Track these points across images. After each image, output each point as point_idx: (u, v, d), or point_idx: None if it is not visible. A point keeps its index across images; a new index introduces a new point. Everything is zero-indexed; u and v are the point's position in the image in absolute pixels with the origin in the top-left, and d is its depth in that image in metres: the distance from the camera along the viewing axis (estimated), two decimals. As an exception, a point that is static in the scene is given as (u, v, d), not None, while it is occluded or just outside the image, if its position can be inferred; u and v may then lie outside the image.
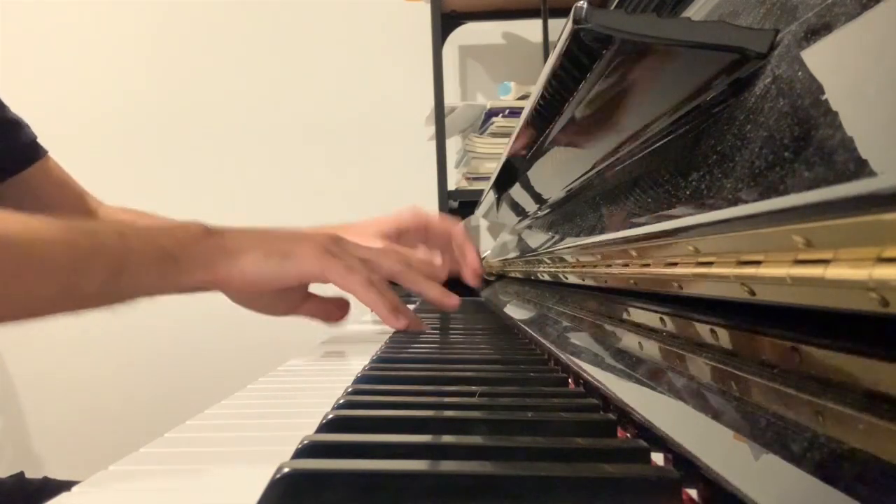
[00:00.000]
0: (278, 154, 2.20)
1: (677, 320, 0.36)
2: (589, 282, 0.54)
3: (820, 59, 0.25)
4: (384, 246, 0.83)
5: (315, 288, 0.78)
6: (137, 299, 0.66)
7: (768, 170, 0.24)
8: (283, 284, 0.71)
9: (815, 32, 0.26)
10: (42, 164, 1.00)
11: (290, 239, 0.72)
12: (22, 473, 0.94)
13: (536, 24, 1.89)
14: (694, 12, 0.39)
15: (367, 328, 0.99)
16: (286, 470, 0.27)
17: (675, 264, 0.33)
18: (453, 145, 2.02)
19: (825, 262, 0.20)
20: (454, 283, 1.43)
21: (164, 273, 0.65)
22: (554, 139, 0.64)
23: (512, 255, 1.01)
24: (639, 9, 0.42)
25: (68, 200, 1.02)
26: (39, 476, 0.96)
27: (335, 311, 0.80)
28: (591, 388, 0.43)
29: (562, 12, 1.70)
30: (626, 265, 0.41)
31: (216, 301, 0.75)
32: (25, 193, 0.97)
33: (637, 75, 0.41)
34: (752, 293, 0.25)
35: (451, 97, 2.03)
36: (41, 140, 1.02)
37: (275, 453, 0.30)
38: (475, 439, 0.34)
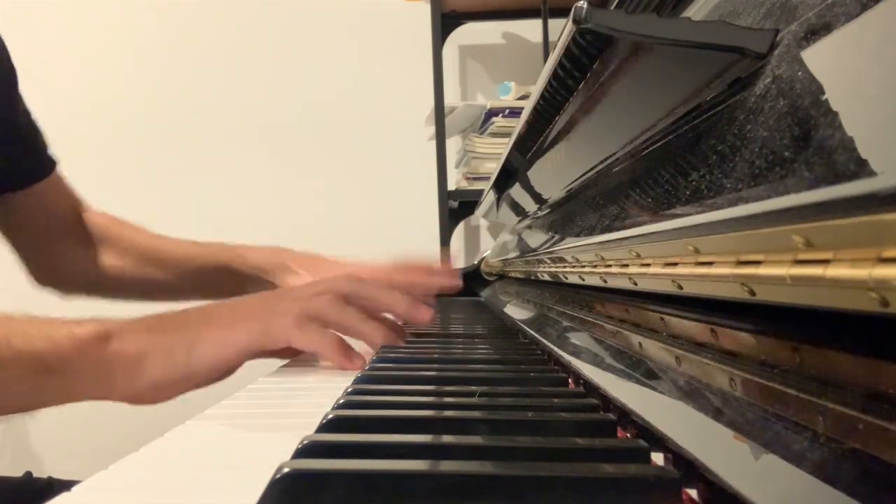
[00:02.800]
0: (278, 154, 2.20)
1: (677, 320, 0.36)
2: (589, 282, 0.54)
3: (820, 59, 0.25)
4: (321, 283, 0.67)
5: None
6: (6, 414, 0.57)
7: (768, 170, 0.24)
8: (205, 381, 0.58)
9: (815, 32, 0.26)
10: (54, 177, 0.98)
11: (198, 320, 0.59)
12: (30, 473, 0.94)
13: (536, 24, 1.89)
14: (694, 12, 0.39)
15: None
16: (286, 470, 0.27)
17: (675, 264, 0.33)
18: (453, 145, 2.02)
19: (825, 262, 0.20)
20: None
21: (41, 388, 0.53)
22: (554, 139, 0.64)
23: (512, 255, 1.01)
24: (639, 9, 0.42)
25: (71, 210, 1.00)
26: (44, 476, 0.96)
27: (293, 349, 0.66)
28: (591, 388, 0.43)
29: (562, 12, 1.70)
30: (626, 265, 0.41)
31: (216, 301, 0.74)
32: (37, 205, 0.94)
33: (637, 75, 0.41)
34: (752, 293, 0.25)
35: (451, 97, 2.03)
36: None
37: (274, 453, 0.30)
38: (475, 439, 0.34)
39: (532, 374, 0.53)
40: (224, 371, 0.59)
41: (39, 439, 2.23)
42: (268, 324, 0.58)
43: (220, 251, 1.00)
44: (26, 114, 0.96)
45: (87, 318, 0.56)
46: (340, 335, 0.62)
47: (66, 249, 0.98)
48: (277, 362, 0.70)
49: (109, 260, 0.99)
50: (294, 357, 0.68)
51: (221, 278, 0.97)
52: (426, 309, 0.70)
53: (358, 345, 0.64)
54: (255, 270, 0.95)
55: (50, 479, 0.93)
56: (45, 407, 0.55)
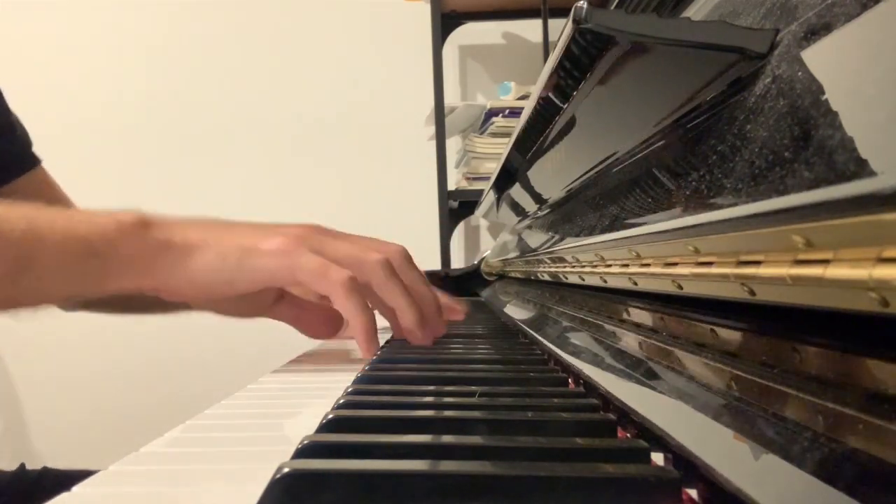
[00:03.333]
0: (278, 154, 2.20)
1: (677, 320, 0.36)
2: (589, 282, 0.54)
3: (820, 59, 0.25)
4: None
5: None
6: (47, 304, 0.55)
7: (768, 170, 0.24)
8: (243, 290, 0.57)
9: (815, 32, 0.26)
10: (36, 173, 0.95)
11: (252, 233, 0.58)
12: (22, 465, 0.94)
13: (536, 24, 1.89)
14: (694, 12, 0.39)
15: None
16: (286, 470, 0.27)
17: (675, 264, 0.33)
18: (453, 145, 2.02)
19: (825, 262, 0.20)
20: (454, 282, 1.44)
21: (83, 274, 0.53)
22: (554, 139, 0.64)
23: (512, 255, 1.01)
24: (639, 9, 0.42)
25: None
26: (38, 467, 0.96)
27: (319, 322, 0.64)
28: (591, 388, 0.43)
29: (562, 12, 1.70)
30: (626, 265, 0.41)
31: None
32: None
33: (637, 75, 0.41)
34: (752, 293, 0.25)
35: (451, 97, 2.03)
36: (37, 144, 1.00)
37: (275, 453, 0.30)
38: (475, 439, 0.34)
39: (532, 374, 0.53)
40: (265, 292, 0.58)
41: (39, 439, 2.23)
42: (324, 270, 0.56)
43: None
44: (4, 109, 0.94)
45: (130, 208, 0.56)
46: (373, 319, 0.60)
47: None
48: (285, 356, 0.70)
49: None
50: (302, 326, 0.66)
51: None
52: (459, 306, 0.68)
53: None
54: None
55: (44, 468, 0.92)
56: (87, 293, 0.55)
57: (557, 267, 0.64)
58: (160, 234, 0.55)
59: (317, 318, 0.64)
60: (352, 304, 0.57)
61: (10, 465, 0.94)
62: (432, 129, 1.88)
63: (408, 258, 0.65)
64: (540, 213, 0.86)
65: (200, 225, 0.57)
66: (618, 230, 0.43)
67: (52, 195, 0.97)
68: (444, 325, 0.68)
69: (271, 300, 0.62)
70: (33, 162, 0.95)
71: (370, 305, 0.61)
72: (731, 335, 0.30)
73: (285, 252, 0.56)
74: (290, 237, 0.57)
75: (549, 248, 0.68)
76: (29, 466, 0.95)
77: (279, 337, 0.77)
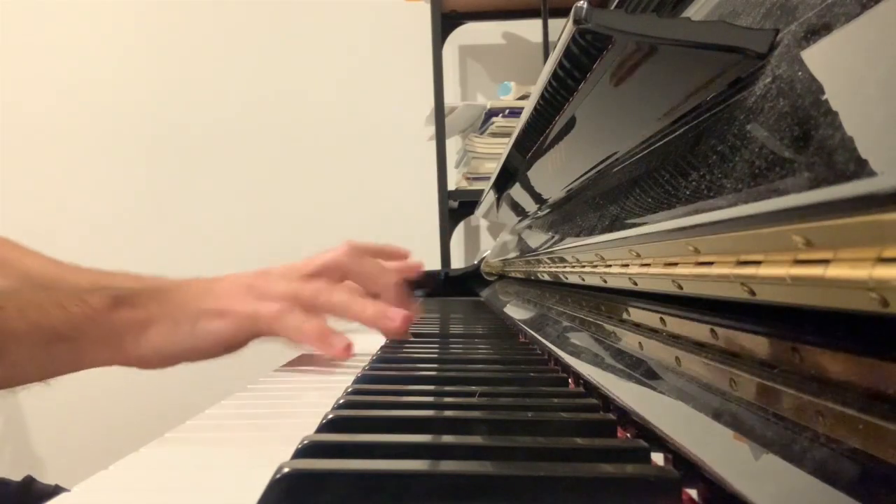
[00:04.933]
0: (277, 154, 2.20)
1: (677, 320, 0.36)
2: (589, 282, 0.54)
3: (820, 59, 0.25)
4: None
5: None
6: (21, 386, 0.57)
7: (768, 170, 0.24)
8: (209, 353, 0.60)
9: (815, 32, 0.26)
10: None
11: (201, 296, 0.60)
12: (30, 477, 0.93)
13: (536, 24, 1.89)
14: (694, 12, 0.39)
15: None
16: (286, 470, 0.27)
17: (675, 264, 0.33)
18: (453, 145, 2.02)
19: (825, 262, 0.20)
20: (454, 282, 1.44)
21: (54, 359, 0.55)
22: (554, 139, 0.64)
23: (512, 255, 1.01)
24: (639, 9, 0.42)
25: None
26: (47, 481, 0.95)
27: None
28: (591, 388, 0.43)
29: (562, 12, 1.70)
30: (626, 265, 0.41)
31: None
32: None
33: (637, 75, 0.41)
34: (752, 293, 0.25)
35: (451, 97, 2.03)
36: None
37: (275, 453, 0.30)
38: (475, 439, 0.34)
39: (532, 374, 0.53)
40: (229, 347, 0.60)
41: (39, 439, 2.23)
42: (256, 310, 0.59)
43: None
44: None
45: (98, 287, 0.59)
46: (324, 322, 0.61)
47: None
48: (285, 356, 0.70)
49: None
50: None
51: None
52: (399, 318, 0.65)
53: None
54: None
55: (57, 487, 0.92)
56: (58, 375, 0.56)
57: (557, 267, 0.64)
58: (126, 312, 0.57)
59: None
60: (288, 330, 0.59)
61: (9, 468, 0.94)
62: (432, 129, 1.88)
63: (353, 254, 0.66)
64: (540, 213, 0.86)
65: (162, 294, 0.60)
66: (618, 230, 0.43)
67: None
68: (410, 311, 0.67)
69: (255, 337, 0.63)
70: None
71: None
72: (731, 335, 0.30)
73: (225, 311, 0.59)
74: (230, 296, 0.60)
75: (549, 248, 0.68)
76: (27, 468, 0.94)
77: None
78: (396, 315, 0.64)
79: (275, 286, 0.62)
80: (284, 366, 0.66)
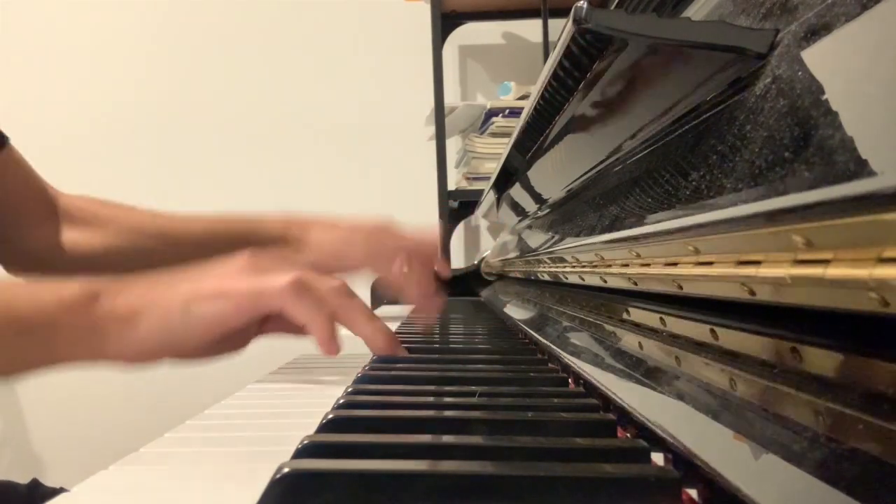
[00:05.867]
0: (278, 154, 2.20)
1: (677, 320, 0.36)
2: (589, 282, 0.54)
3: (820, 59, 0.25)
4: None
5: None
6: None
7: (768, 170, 0.24)
8: (199, 341, 0.55)
9: (815, 32, 0.26)
10: (5, 154, 0.90)
11: (190, 282, 0.56)
12: (36, 480, 0.93)
13: (536, 24, 1.89)
14: (694, 12, 0.39)
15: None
16: (286, 470, 0.27)
17: (675, 264, 0.33)
18: (453, 145, 2.02)
19: (825, 262, 0.20)
20: (454, 282, 1.44)
21: (25, 352, 0.52)
22: (554, 139, 0.64)
23: (512, 255, 1.01)
24: (639, 9, 0.42)
25: (31, 192, 0.93)
26: (47, 481, 0.95)
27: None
28: (591, 388, 0.43)
29: (562, 12, 1.70)
30: (626, 265, 0.41)
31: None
32: None
33: (637, 75, 0.41)
34: (752, 293, 0.25)
35: (451, 97, 2.03)
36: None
37: (275, 453, 0.30)
38: (475, 439, 0.34)
39: (532, 374, 0.53)
40: (226, 335, 0.56)
41: (39, 439, 2.23)
42: (259, 284, 0.54)
43: (235, 225, 0.95)
44: None
45: (74, 279, 0.54)
46: (330, 319, 0.57)
47: (34, 231, 0.92)
48: (285, 356, 0.70)
49: (97, 240, 0.92)
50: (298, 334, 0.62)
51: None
52: (389, 342, 0.61)
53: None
54: (274, 243, 0.92)
55: (62, 489, 0.92)
56: (33, 371, 0.53)
57: (557, 267, 0.64)
58: (105, 305, 0.53)
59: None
60: (300, 309, 0.55)
61: (9, 469, 0.94)
62: (432, 129, 1.88)
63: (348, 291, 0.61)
64: (540, 213, 0.86)
65: (145, 287, 0.55)
66: (618, 230, 0.43)
67: (25, 178, 0.93)
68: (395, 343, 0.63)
69: (252, 329, 0.59)
70: (2, 142, 0.90)
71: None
72: (731, 335, 0.30)
73: (221, 292, 0.54)
74: (224, 276, 0.55)
75: (549, 248, 0.68)
76: (27, 469, 0.94)
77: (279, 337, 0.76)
78: (392, 340, 0.60)
79: (282, 266, 0.57)
80: (284, 366, 0.66)
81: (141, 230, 0.94)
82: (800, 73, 0.26)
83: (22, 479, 0.93)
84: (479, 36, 2.12)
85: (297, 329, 0.58)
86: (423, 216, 2.05)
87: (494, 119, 1.81)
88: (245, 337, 0.59)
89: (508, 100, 1.89)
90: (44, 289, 0.54)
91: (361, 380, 0.50)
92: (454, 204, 1.91)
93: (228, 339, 0.57)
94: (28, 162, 0.94)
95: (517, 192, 0.97)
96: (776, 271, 0.23)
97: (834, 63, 0.24)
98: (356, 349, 0.61)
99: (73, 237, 0.93)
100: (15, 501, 0.87)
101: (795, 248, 0.21)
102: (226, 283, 0.55)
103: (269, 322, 0.59)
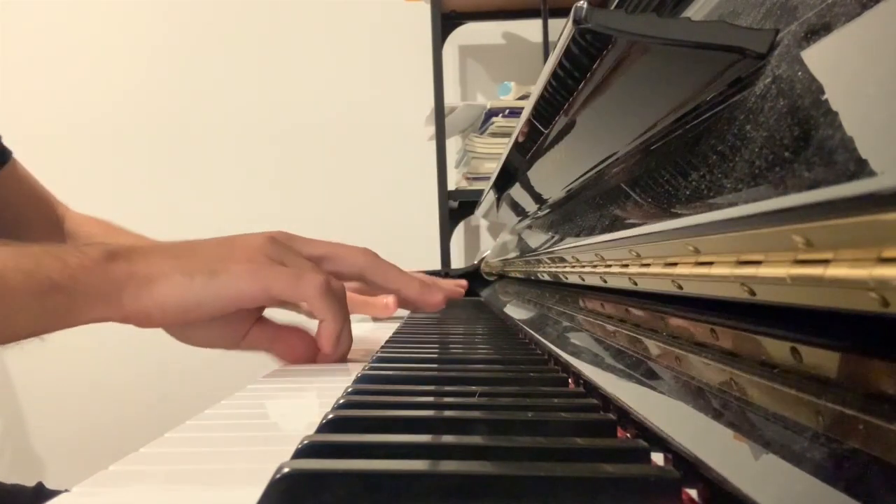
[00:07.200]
0: (278, 154, 2.20)
1: (677, 320, 0.36)
2: (589, 282, 0.54)
3: (820, 59, 0.25)
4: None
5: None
6: (17, 341, 0.55)
7: (768, 170, 0.24)
8: (214, 312, 0.56)
9: (815, 32, 0.26)
10: (8, 169, 0.90)
11: (217, 252, 0.57)
12: (41, 483, 0.93)
13: (536, 24, 1.89)
14: (694, 12, 0.39)
15: (367, 325, 0.99)
16: (286, 470, 0.27)
17: (674, 264, 0.33)
18: (453, 145, 2.02)
19: (825, 262, 0.20)
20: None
21: (48, 310, 0.52)
22: (554, 139, 0.64)
23: (512, 255, 1.01)
24: (639, 9, 0.42)
25: (38, 208, 0.95)
26: (47, 481, 0.95)
27: (295, 344, 0.62)
28: (591, 388, 0.43)
29: (562, 12, 1.70)
30: (626, 265, 0.41)
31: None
32: None
33: (637, 75, 0.41)
34: (752, 293, 0.25)
35: (451, 97, 2.03)
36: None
37: (275, 453, 0.30)
38: (475, 439, 0.34)
39: (532, 374, 0.53)
40: (234, 309, 0.57)
41: (39, 439, 2.23)
42: (296, 279, 0.57)
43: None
44: None
45: (96, 242, 0.56)
46: (343, 326, 0.60)
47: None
48: (279, 362, 0.69)
49: None
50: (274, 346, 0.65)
51: None
52: (439, 294, 0.70)
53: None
54: None
55: (66, 491, 0.91)
56: (52, 330, 0.54)
57: (557, 267, 0.64)
58: (124, 265, 0.55)
59: (292, 339, 0.63)
60: (327, 305, 0.57)
61: (9, 470, 0.94)
62: (432, 129, 1.89)
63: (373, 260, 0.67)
64: (540, 213, 0.86)
65: (165, 251, 0.57)
66: (618, 230, 0.43)
67: (30, 193, 0.94)
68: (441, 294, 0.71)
69: (248, 326, 0.61)
70: (4, 157, 0.90)
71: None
72: (731, 335, 0.30)
73: (252, 268, 0.56)
74: (254, 251, 0.57)
75: (548, 248, 0.68)
76: (27, 470, 0.94)
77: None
78: (437, 297, 0.69)
79: (301, 247, 0.61)
80: (283, 366, 0.66)
81: None
82: (800, 73, 0.26)
83: (22, 479, 0.93)
84: (479, 36, 2.13)
85: (278, 336, 0.62)
86: (423, 216, 2.05)
87: (494, 119, 1.81)
88: (239, 329, 0.60)
89: (508, 100, 1.89)
90: (67, 250, 0.55)
91: (361, 380, 0.50)
92: (454, 204, 1.91)
93: (230, 323, 0.59)
94: (34, 177, 0.94)
95: (517, 191, 0.97)
96: (776, 271, 0.23)
97: (834, 63, 0.24)
98: (355, 352, 0.62)
99: None
100: (22, 503, 0.87)
101: (795, 248, 0.21)
102: (256, 261, 0.57)
103: (258, 326, 0.61)
